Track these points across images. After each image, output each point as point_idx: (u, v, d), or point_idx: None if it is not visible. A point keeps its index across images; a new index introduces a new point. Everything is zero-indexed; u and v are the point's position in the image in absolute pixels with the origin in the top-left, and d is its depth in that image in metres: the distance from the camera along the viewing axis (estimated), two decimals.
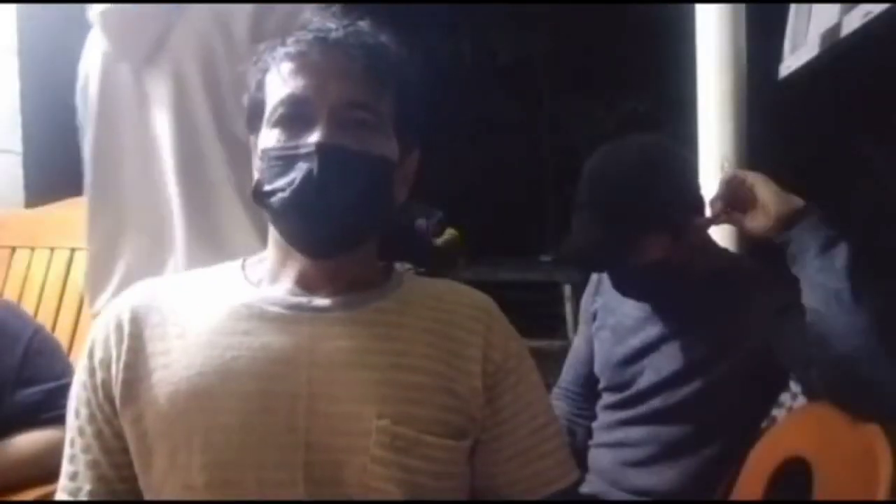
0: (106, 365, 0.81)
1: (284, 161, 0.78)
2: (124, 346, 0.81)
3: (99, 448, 0.81)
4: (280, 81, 0.80)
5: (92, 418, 0.81)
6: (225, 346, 0.79)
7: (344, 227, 0.80)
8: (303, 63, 0.80)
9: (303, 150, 0.77)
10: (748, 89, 1.85)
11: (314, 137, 0.77)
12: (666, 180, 1.24)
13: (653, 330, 1.31)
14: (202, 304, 0.83)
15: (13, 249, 1.79)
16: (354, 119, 0.79)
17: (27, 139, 2.13)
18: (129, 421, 0.79)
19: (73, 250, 1.73)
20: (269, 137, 0.81)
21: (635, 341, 1.33)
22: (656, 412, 1.29)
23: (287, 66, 0.80)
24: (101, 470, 0.81)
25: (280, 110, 0.80)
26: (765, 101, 1.96)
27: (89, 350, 0.83)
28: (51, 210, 1.84)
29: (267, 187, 0.80)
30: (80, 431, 0.82)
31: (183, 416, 0.77)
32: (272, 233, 0.85)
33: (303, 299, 0.82)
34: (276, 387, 0.77)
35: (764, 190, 1.18)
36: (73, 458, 0.83)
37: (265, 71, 0.83)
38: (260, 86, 0.83)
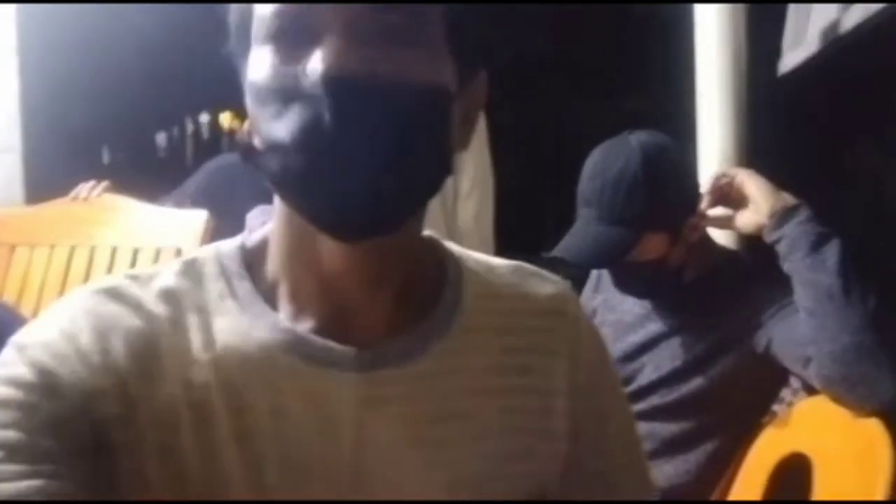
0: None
1: (281, 97, 0.51)
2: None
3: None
4: None
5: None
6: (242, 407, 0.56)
7: (380, 197, 0.51)
8: None
9: (305, 83, 0.49)
10: (748, 89, 1.85)
11: (321, 62, 0.49)
12: (666, 178, 1.23)
13: (652, 327, 1.31)
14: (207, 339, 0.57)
15: (13, 247, 1.79)
16: (384, 26, 0.50)
17: (27, 138, 2.13)
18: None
19: (72, 248, 1.73)
20: (258, 62, 0.52)
21: (635, 338, 1.33)
22: (656, 409, 1.29)
23: None
24: None
25: (274, 20, 0.51)
26: (765, 100, 1.96)
27: None
28: (50, 208, 1.84)
29: (257, 141, 0.53)
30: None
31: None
32: (280, 206, 0.58)
33: (345, 349, 0.56)
34: (311, 463, 0.56)
35: (753, 187, 1.18)
36: None
37: None
38: None
